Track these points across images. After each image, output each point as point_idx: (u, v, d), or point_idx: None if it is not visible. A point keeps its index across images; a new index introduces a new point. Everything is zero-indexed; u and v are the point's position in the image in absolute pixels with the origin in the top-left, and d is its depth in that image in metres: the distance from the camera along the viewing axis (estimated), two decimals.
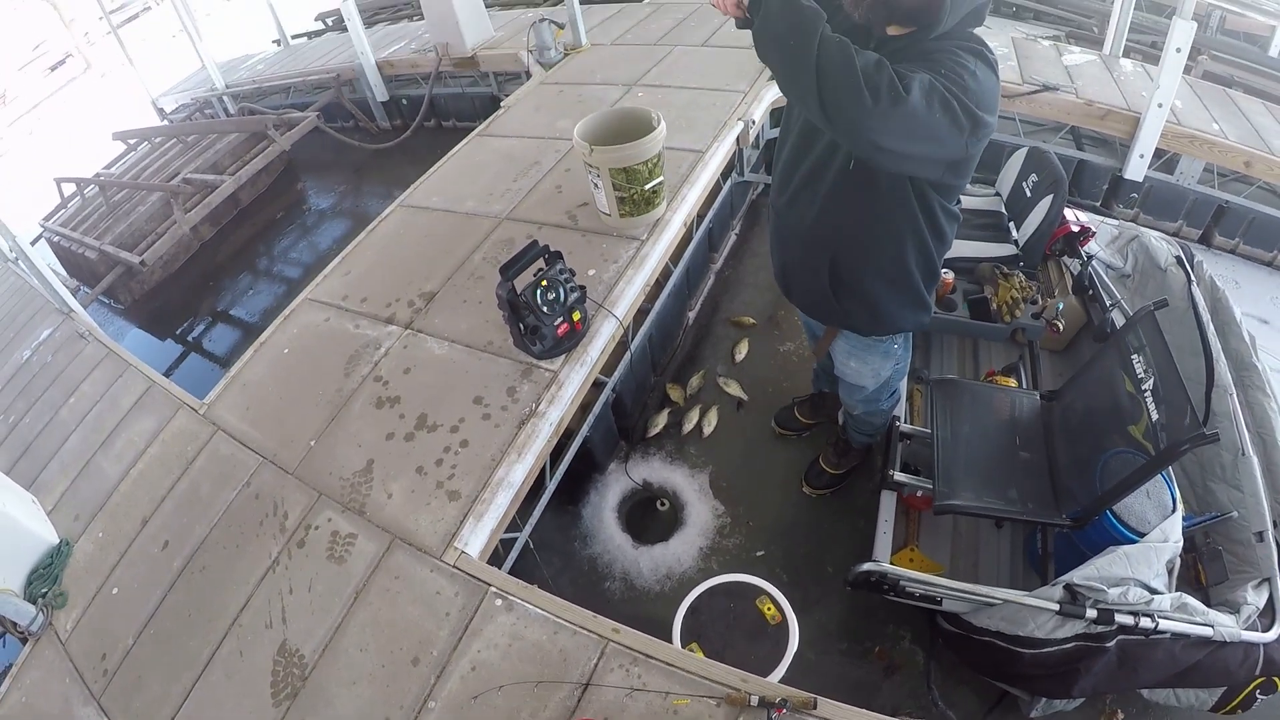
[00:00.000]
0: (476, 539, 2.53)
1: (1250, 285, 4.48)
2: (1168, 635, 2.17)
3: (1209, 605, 2.24)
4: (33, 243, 7.31)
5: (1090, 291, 3.38)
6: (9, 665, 2.91)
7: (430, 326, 3.33)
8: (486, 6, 6.91)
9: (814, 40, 1.62)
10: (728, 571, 2.86)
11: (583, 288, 2.98)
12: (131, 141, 8.41)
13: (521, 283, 2.83)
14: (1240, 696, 2.27)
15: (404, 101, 7.49)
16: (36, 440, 3.77)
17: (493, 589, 2.35)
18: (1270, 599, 2.23)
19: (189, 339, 5.86)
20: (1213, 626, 2.15)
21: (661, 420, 3.91)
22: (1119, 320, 3.15)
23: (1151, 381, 2.32)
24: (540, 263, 2.88)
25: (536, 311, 2.81)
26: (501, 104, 5.08)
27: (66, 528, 3.19)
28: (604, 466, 3.75)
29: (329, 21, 10.67)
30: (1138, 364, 2.40)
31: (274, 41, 10.11)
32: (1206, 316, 2.76)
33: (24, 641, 2.92)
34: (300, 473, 2.90)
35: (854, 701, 2.74)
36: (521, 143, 4.56)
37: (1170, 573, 2.28)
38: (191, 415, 3.37)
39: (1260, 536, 2.35)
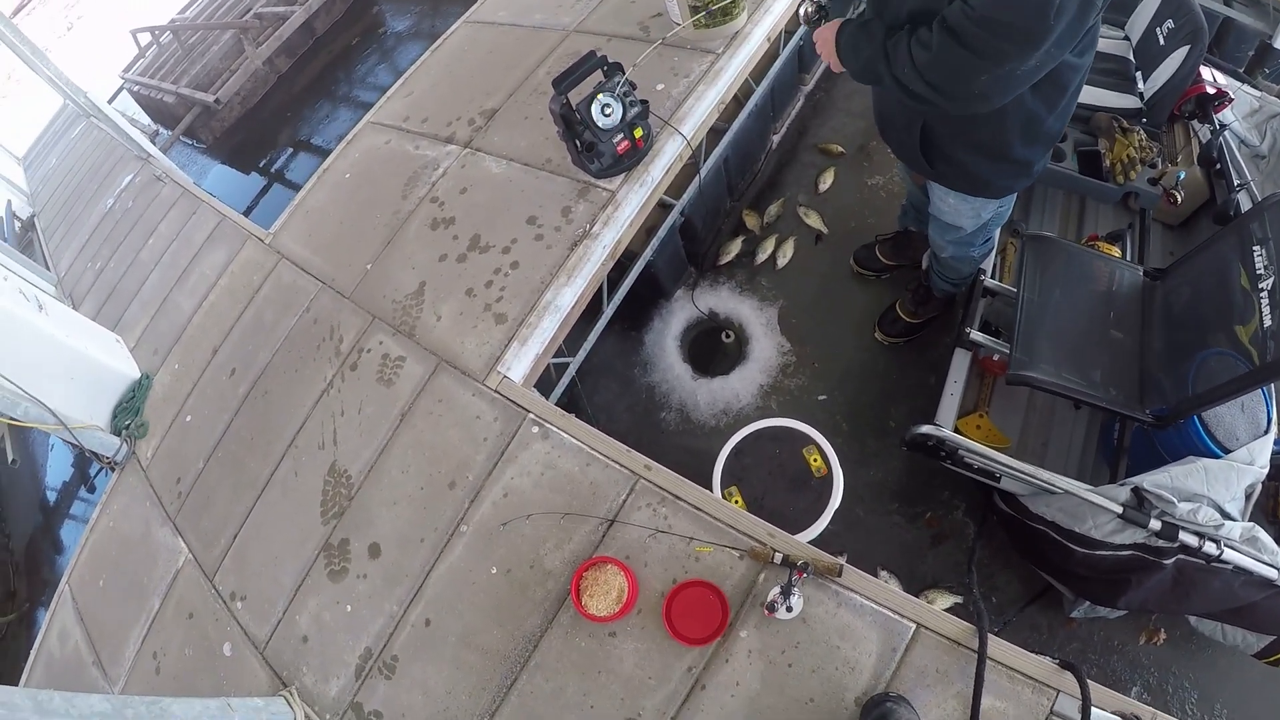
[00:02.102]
0: (520, 364, 2.43)
1: None
2: (1230, 567, 1.96)
3: None
4: (114, 95, 7.41)
5: (1218, 165, 2.94)
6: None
7: (489, 145, 3.14)
8: None
9: (885, 75, 1.78)
10: (787, 414, 2.72)
11: (645, 102, 2.71)
12: None
13: (578, 96, 2.58)
14: None
15: None
16: (121, 283, 3.88)
17: (531, 415, 2.28)
18: None
19: (271, 170, 5.84)
20: (1279, 569, 1.94)
21: (734, 248, 3.70)
22: (1245, 204, 2.73)
23: (1271, 281, 1.99)
24: (599, 75, 2.61)
25: (593, 127, 2.57)
26: None
27: (147, 362, 3.29)
28: (670, 293, 3.59)
29: None
30: (1259, 258, 2.05)
31: None
32: None
33: (110, 470, 3.05)
34: (356, 296, 2.85)
35: (896, 565, 2.70)
36: None
37: (1248, 499, 2.06)
38: (258, 245, 3.35)
39: None
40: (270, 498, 2.52)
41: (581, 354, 2.91)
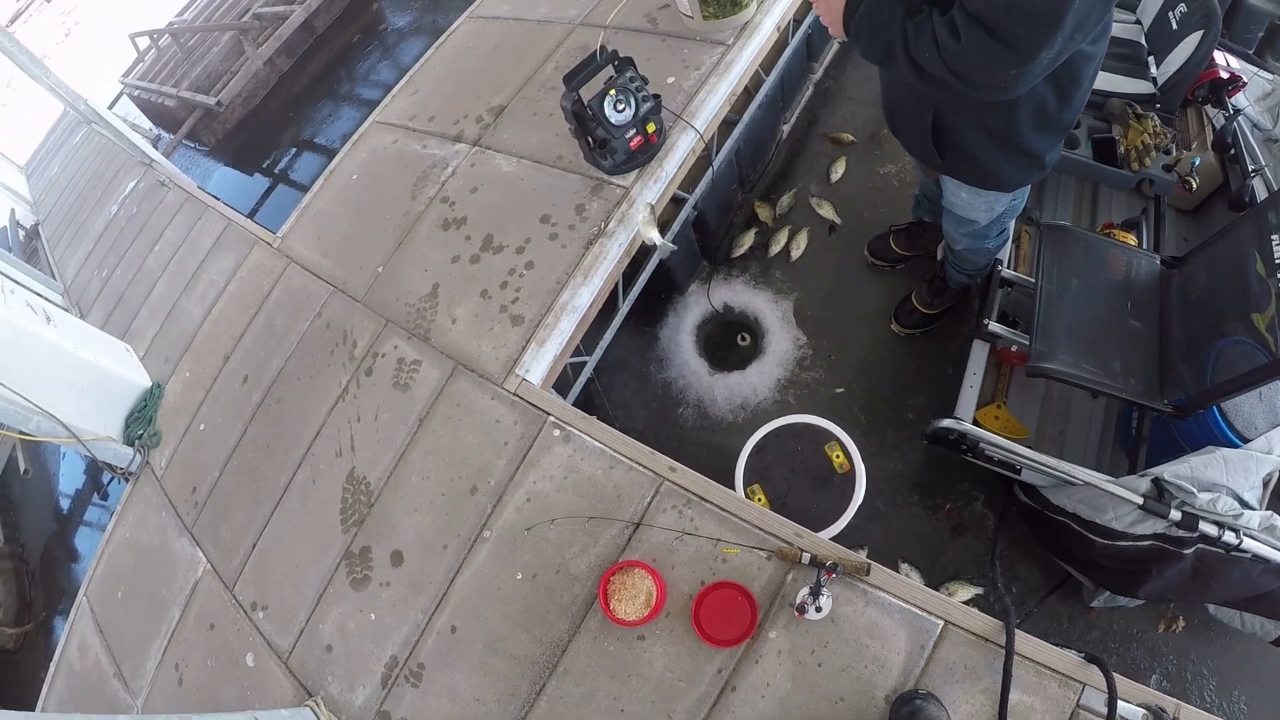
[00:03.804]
0: (539, 366, 2.41)
1: None
2: (1249, 555, 1.95)
3: None
4: (114, 100, 7.37)
5: (1232, 150, 2.91)
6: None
7: (499, 142, 3.10)
8: None
9: (900, 57, 1.67)
10: (804, 408, 2.75)
11: (657, 96, 2.67)
12: None
13: (589, 92, 2.55)
14: None
15: None
16: (128, 290, 3.85)
17: (552, 419, 2.25)
18: None
19: (275, 171, 5.81)
20: None
21: (747, 240, 3.66)
22: (1260, 189, 2.71)
23: None
24: (609, 70, 2.57)
25: (605, 123, 2.53)
26: None
27: (158, 370, 3.26)
28: (684, 288, 3.56)
29: None
30: (1277, 246, 2.04)
31: None
32: None
33: (125, 481, 3.03)
34: (369, 300, 2.82)
35: (917, 557, 2.68)
36: None
37: (1265, 487, 2.06)
38: (266, 250, 3.32)
39: None
40: (289, 506, 2.50)
41: (598, 353, 2.88)
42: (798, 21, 3.71)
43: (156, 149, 4.63)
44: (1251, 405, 2.14)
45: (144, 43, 7.69)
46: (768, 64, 3.46)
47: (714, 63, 3.05)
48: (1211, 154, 2.97)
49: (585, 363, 2.82)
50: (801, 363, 3.25)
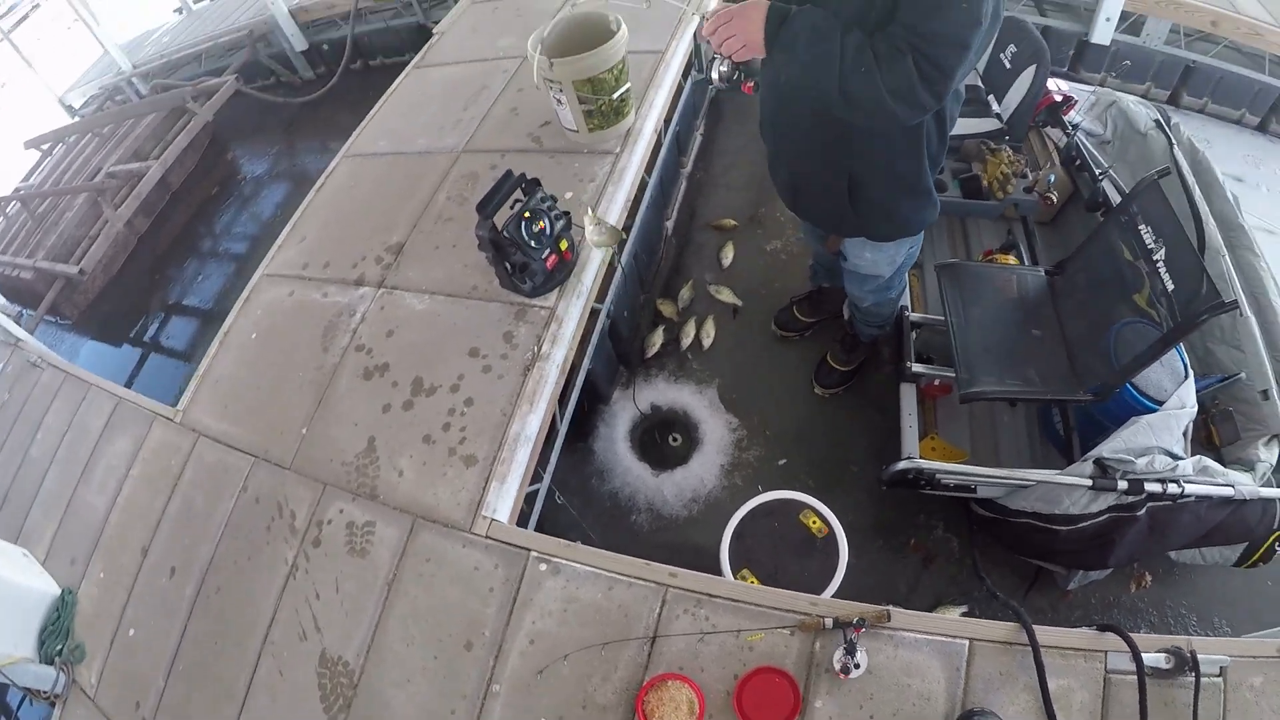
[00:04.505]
0: (504, 503, 2.33)
1: (1221, 144, 4.51)
2: (1193, 498, 2.20)
3: (1224, 465, 2.33)
4: None
5: (1078, 161, 3.31)
6: None
7: (405, 281, 3.04)
8: None
9: (835, 70, 1.73)
10: (752, 488, 2.88)
11: (567, 214, 2.69)
12: (45, 146, 7.80)
13: (500, 218, 2.55)
14: (1261, 550, 2.35)
15: (325, 47, 6.99)
16: (13, 486, 3.48)
17: (533, 554, 2.18)
18: None
19: (146, 340, 5.51)
20: (1233, 486, 2.20)
21: (658, 339, 3.72)
22: (1109, 189, 3.09)
23: (1163, 251, 2.30)
24: (518, 193, 2.59)
25: (524, 247, 2.53)
26: (434, 31, 4.66)
27: (65, 575, 2.96)
28: (608, 396, 3.56)
29: None
30: (1147, 235, 2.37)
31: (176, 10, 9.37)
32: (1191, 179, 2.73)
33: (52, 705, 2.72)
34: (298, 465, 2.66)
35: (899, 597, 2.77)
36: (464, 68, 4.17)
37: (1186, 437, 2.35)
38: (168, 426, 3.09)
39: (1265, 395, 2.39)
40: (257, 705, 2.28)
41: (548, 476, 2.82)
42: (667, 121, 3.86)
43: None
44: (1156, 372, 2.37)
45: None
46: (649, 165, 3.56)
47: (607, 172, 3.12)
48: (1060, 169, 3.33)
49: (537, 489, 2.75)
50: (739, 444, 3.31)
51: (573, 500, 3.21)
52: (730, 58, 1.90)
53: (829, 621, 1.85)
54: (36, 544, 3.16)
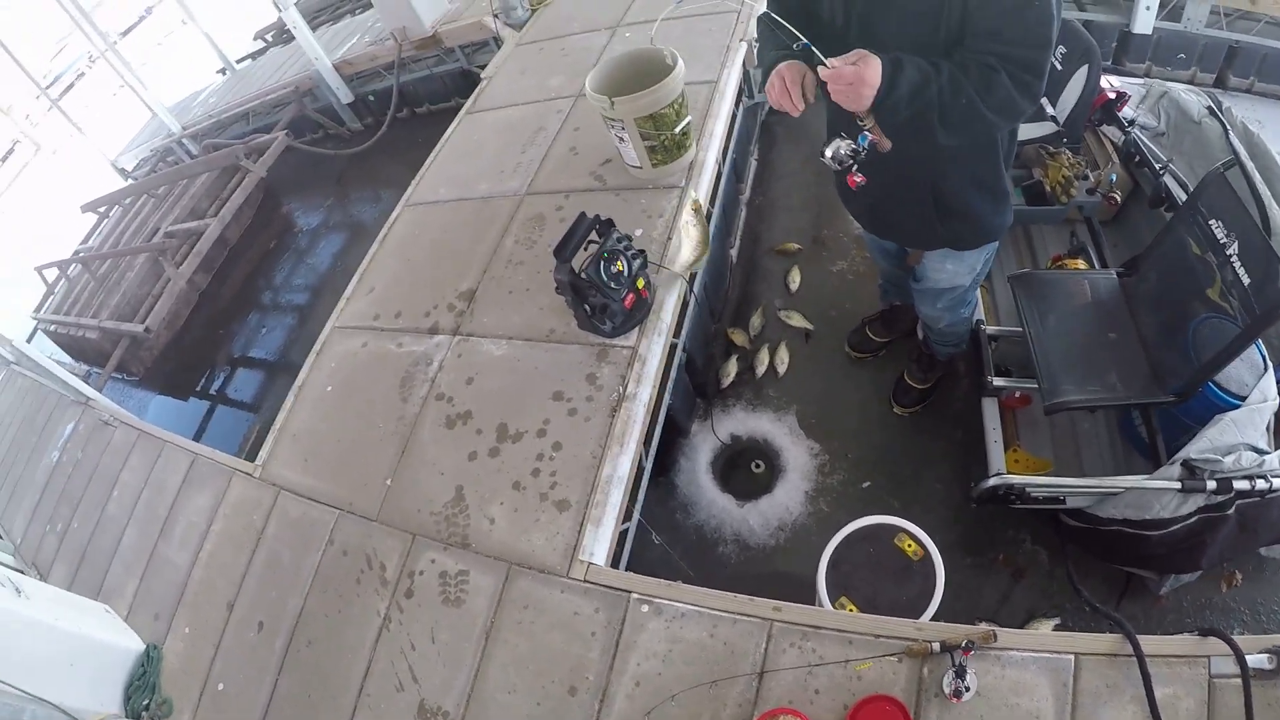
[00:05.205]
0: (600, 546, 2.31)
1: (1274, 124, 4.33)
2: None
3: None
4: (29, 338, 7.05)
5: (1137, 158, 3.23)
6: None
7: (480, 327, 3.05)
8: None
9: (935, 115, 1.76)
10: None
11: (643, 252, 2.69)
12: (102, 210, 8.06)
13: (578, 260, 2.56)
14: None
15: (371, 98, 7.09)
16: (91, 544, 3.54)
17: (634, 595, 2.16)
18: None
19: (212, 393, 5.61)
20: None
21: (733, 368, 3.67)
22: (1170, 183, 3.03)
23: (1236, 245, 2.25)
24: (593, 234, 2.59)
25: (603, 288, 2.53)
26: (483, 76, 4.73)
27: (149, 630, 2.98)
28: (687, 430, 3.51)
29: (269, 38, 10.16)
30: (1217, 229, 2.32)
31: (219, 71, 9.65)
32: (1251, 165, 2.67)
33: None
34: (385, 516, 2.66)
35: (990, 613, 2.71)
36: (517, 111, 4.21)
37: (1269, 431, 2.31)
38: (248, 481, 3.12)
39: None
40: None
41: (636, 513, 2.78)
42: (725, 150, 3.86)
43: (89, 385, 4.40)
44: (1236, 367, 2.32)
45: (52, 274, 7.45)
46: (711, 195, 3.55)
47: (675, 206, 3.11)
48: (1120, 166, 3.28)
49: (627, 528, 2.71)
50: (822, 469, 3.26)
51: (660, 536, 3.19)
52: (852, 142, 1.88)
53: (936, 645, 1.84)
54: (118, 600, 3.19)
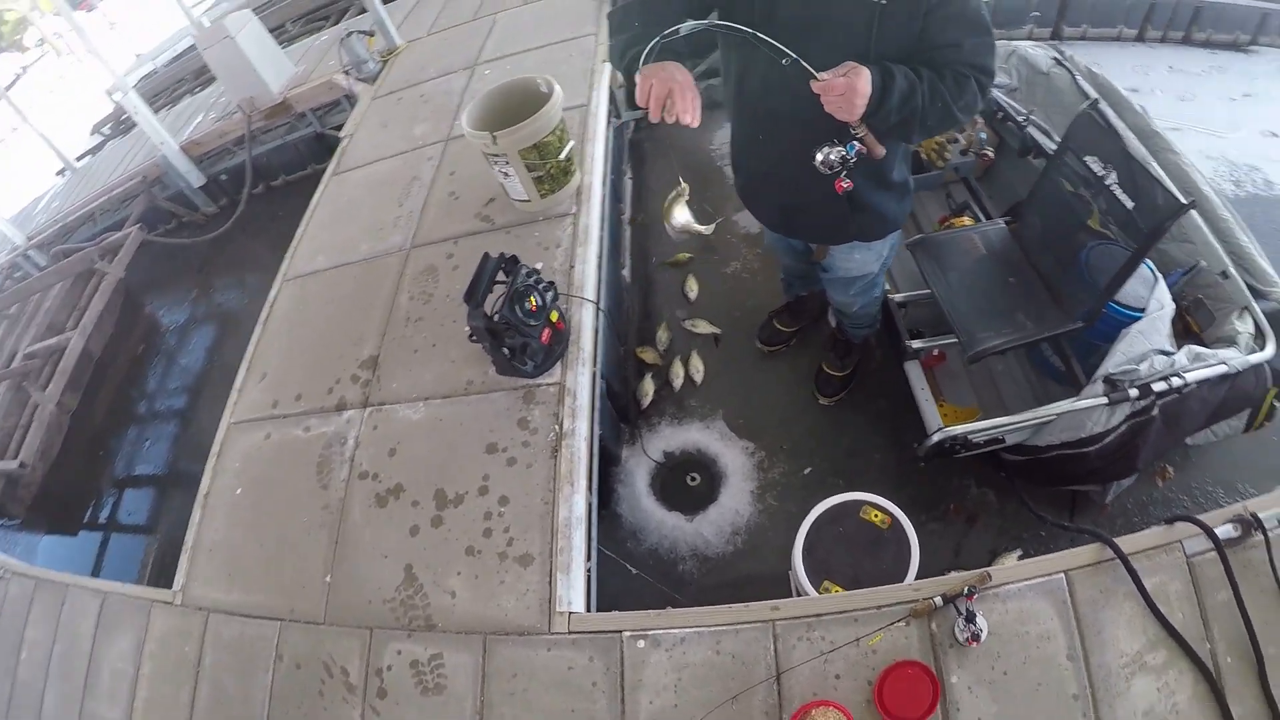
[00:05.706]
0: (575, 592, 2.21)
1: (1110, 64, 4.76)
2: (1194, 385, 2.38)
3: (1209, 348, 2.48)
4: None
5: (1000, 114, 3.46)
6: None
7: (392, 394, 2.88)
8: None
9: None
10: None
11: (553, 283, 2.60)
12: None
13: (489, 304, 2.45)
14: (1263, 411, 2.56)
15: (223, 177, 6.71)
16: (9, 717, 3.16)
17: (626, 633, 2.08)
18: (1255, 323, 2.46)
19: (103, 522, 5.14)
20: (1225, 362, 2.38)
21: (650, 387, 3.62)
22: (1034, 132, 3.26)
23: (1114, 175, 2.43)
24: (499, 275, 2.49)
25: (520, 327, 2.42)
26: (341, 135, 4.54)
27: None
28: (618, 457, 3.43)
29: (105, 130, 9.60)
30: (1094, 164, 2.50)
31: (59, 173, 9.02)
32: (1103, 104, 2.87)
33: None
34: (333, 616, 2.47)
35: (959, 559, 2.84)
36: (386, 165, 4.05)
37: (1169, 333, 2.51)
38: (169, 610, 2.84)
39: (1224, 274, 2.55)
40: None
41: (593, 552, 2.65)
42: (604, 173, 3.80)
43: None
44: (1130, 284, 2.48)
45: None
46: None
47: (570, 234, 3.04)
48: (985, 125, 3.57)
49: (590, 569, 2.59)
50: (761, 466, 3.27)
51: (614, 568, 3.08)
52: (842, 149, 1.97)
53: (938, 600, 1.89)
54: None
